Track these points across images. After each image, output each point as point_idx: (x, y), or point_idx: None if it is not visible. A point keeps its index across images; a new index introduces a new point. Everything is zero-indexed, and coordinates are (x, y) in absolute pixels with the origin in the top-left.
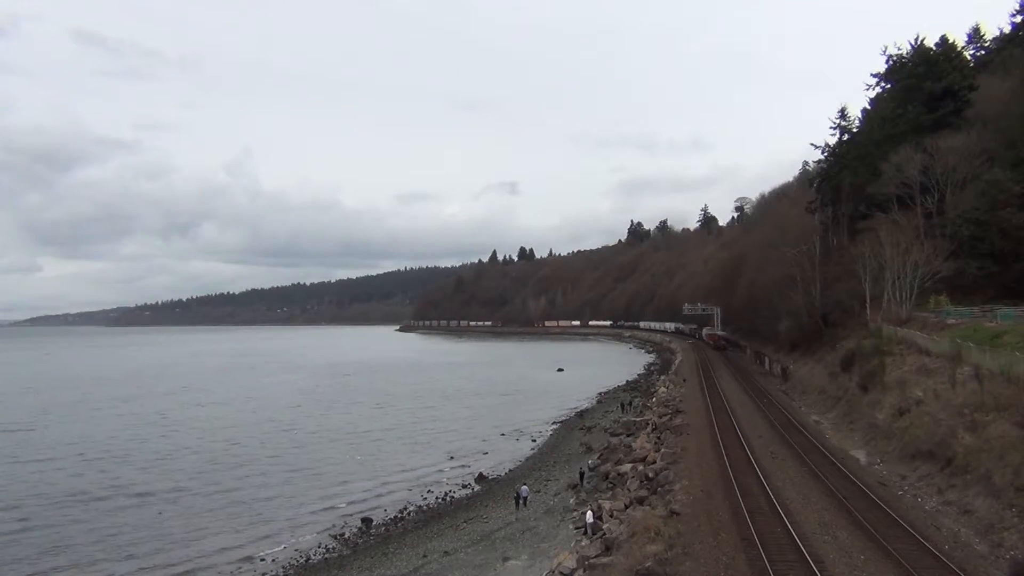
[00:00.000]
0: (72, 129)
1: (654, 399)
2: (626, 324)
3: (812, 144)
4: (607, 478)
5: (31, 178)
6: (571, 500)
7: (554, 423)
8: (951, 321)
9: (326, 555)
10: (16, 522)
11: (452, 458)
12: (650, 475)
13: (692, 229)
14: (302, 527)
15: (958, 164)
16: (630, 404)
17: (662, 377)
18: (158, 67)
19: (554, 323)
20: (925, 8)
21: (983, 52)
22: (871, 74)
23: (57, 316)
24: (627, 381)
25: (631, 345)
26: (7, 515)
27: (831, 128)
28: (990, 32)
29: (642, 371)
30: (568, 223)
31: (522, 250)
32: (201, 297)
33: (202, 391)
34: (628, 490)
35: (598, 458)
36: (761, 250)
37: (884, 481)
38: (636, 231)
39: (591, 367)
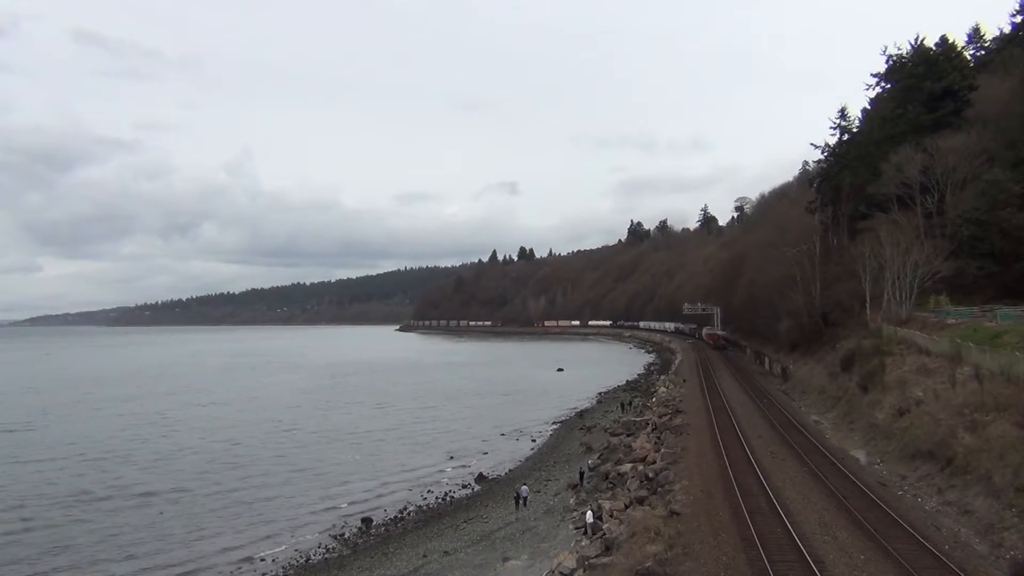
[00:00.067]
0: (72, 129)
1: (654, 399)
2: (626, 324)
3: (812, 144)
4: (607, 478)
5: (31, 178)
6: (571, 500)
7: (554, 423)
8: (951, 321)
9: (326, 555)
10: (17, 522)
11: (452, 458)
12: (650, 475)
13: (692, 229)
14: (302, 527)
15: (958, 164)
16: (630, 404)
17: (662, 377)
18: (158, 67)
19: (554, 323)
20: (925, 8)
21: (983, 52)
22: (871, 74)
23: (57, 316)
24: (627, 381)
25: (631, 345)
26: (8, 515)
27: (831, 128)
28: (990, 32)
29: (642, 371)
30: (568, 223)
31: (522, 250)
32: (201, 297)
33: (202, 391)
34: (628, 490)
35: (598, 458)
36: (761, 250)
37: (884, 481)
38: (636, 231)
39: (591, 367)
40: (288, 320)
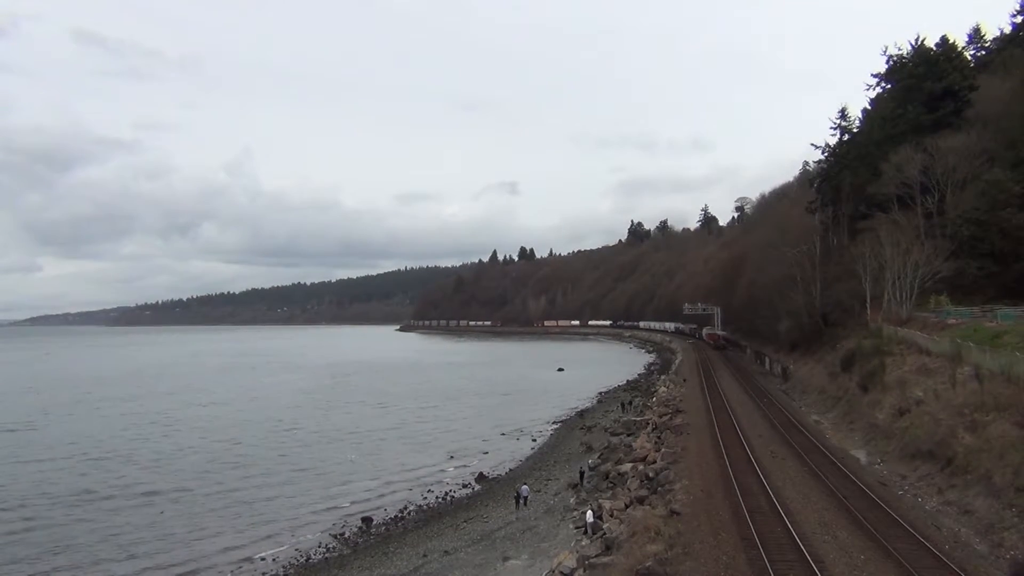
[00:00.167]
0: (72, 129)
1: (654, 399)
2: (626, 324)
3: (812, 144)
4: (607, 477)
5: (31, 178)
6: (571, 500)
7: (554, 423)
8: (951, 321)
9: (327, 555)
10: (18, 521)
11: (452, 457)
12: (650, 475)
13: (692, 229)
14: (303, 527)
15: (958, 164)
16: (630, 404)
17: (662, 377)
18: (158, 67)
19: (554, 323)
20: (925, 8)
21: (983, 52)
22: (871, 74)
23: (57, 316)
24: (627, 381)
25: (631, 345)
26: (9, 515)
27: (831, 128)
28: (990, 32)
29: (642, 371)
30: (568, 223)
31: (522, 250)
32: (201, 297)
33: (203, 391)
34: (628, 490)
35: (598, 457)
36: (761, 250)
37: (884, 481)
38: (636, 231)
39: (591, 367)
40: (288, 320)
